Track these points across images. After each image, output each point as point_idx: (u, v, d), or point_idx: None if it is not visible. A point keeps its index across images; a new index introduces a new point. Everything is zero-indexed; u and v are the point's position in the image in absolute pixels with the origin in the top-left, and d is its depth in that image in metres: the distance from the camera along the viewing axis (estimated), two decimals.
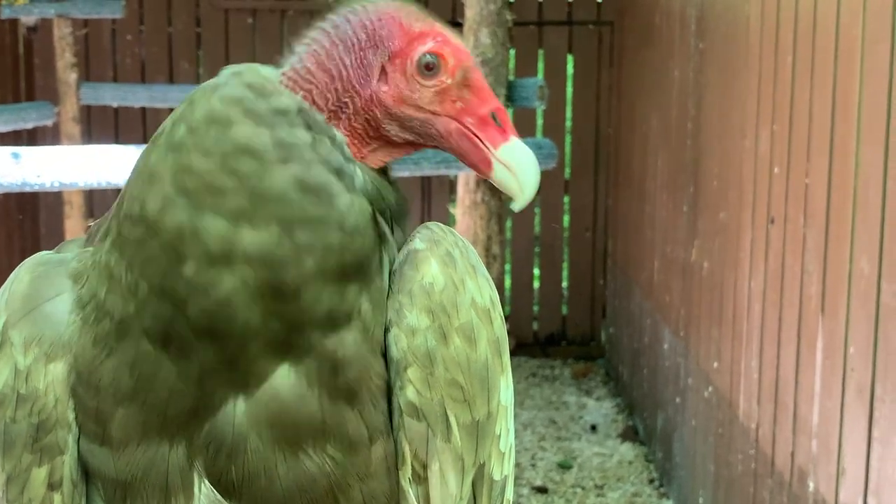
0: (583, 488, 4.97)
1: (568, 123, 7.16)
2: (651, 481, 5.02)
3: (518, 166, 1.17)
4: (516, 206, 1.20)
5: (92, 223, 1.22)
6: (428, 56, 1.16)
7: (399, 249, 1.17)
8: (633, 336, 5.78)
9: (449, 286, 1.16)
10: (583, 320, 7.13)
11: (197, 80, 6.91)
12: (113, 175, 3.29)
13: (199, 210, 1.06)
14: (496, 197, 3.96)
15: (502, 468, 1.23)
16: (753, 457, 3.42)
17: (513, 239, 7.03)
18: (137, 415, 1.09)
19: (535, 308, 7.13)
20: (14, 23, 6.35)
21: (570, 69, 7.09)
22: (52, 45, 5.56)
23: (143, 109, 6.80)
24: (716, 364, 3.92)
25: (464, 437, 1.16)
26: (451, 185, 5.79)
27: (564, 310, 7.17)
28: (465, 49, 1.18)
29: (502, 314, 1.23)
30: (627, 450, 5.40)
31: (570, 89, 7.10)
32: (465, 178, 4.07)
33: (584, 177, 7.04)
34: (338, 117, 1.16)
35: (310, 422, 1.10)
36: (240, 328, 1.07)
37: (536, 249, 7.16)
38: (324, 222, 1.08)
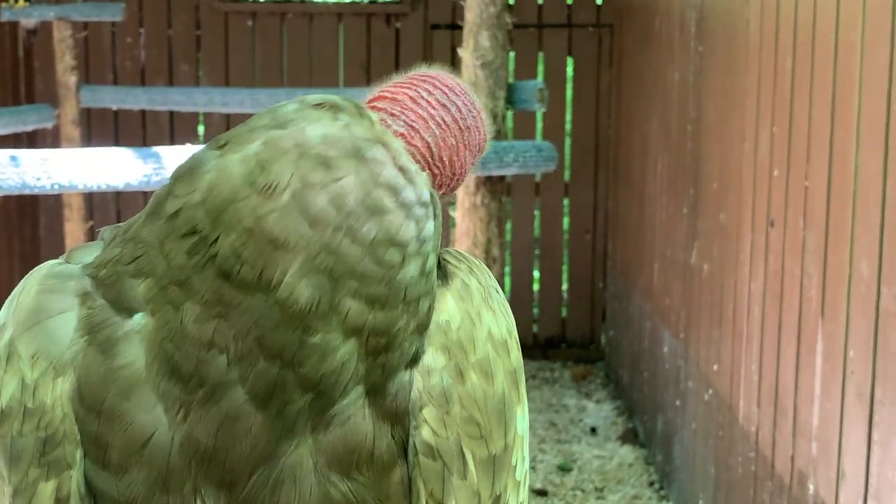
0: (583, 491, 4.97)
1: (568, 126, 7.16)
2: (651, 484, 5.02)
3: None
4: None
5: (108, 227, 1.19)
6: None
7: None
8: (632, 339, 5.78)
9: (465, 322, 1.16)
10: (582, 323, 7.12)
11: (196, 82, 6.91)
12: (112, 178, 3.29)
13: (339, 291, 1.07)
14: (496, 199, 3.96)
15: (518, 496, 1.23)
16: (753, 459, 3.42)
17: (512, 241, 7.02)
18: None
19: (535, 310, 7.13)
20: (14, 26, 6.35)
21: (569, 72, 7.08)
22: (51, 47, 5.57)
23: (143, 112, 6.80)
24: (716, 367, 3.91)
25: (480, 472, 1.16)
26: None
27: (564, 312, 7.16)
28: None
29: (518, 342, 1.23)
30: (627, 452, 5.40)
31: (569, 92, 7.10)
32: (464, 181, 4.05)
33: (583, 179, 7.04)
34: None
35: (362, 444, 1.10)
36: (346, 380, 1.08)
37: (536, 252, 7.16)
38: (426, 296, 1.13)
